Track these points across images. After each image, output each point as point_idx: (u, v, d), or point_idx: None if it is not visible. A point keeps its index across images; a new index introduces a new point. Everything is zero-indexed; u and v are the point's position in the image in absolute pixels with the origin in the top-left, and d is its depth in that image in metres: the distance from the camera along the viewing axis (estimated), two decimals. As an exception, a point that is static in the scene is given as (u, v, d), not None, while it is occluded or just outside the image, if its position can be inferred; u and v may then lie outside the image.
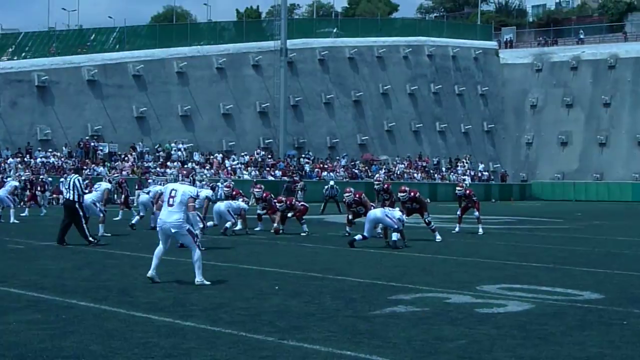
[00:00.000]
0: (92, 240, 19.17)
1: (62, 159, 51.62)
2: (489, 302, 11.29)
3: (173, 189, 13.02)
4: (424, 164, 72.57)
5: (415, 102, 76.07)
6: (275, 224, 24.37)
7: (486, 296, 11.89)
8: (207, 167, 57.39)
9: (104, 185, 23.26)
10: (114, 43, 61.48)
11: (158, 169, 54.62)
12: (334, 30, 75.16)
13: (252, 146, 64.13)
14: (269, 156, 63.33)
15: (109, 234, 21.86)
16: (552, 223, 33.60)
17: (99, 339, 8.34)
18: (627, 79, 76.99)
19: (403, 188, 23.17)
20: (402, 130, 74.65)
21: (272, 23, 68.71)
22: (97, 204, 21.91)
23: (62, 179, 31.37)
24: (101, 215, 21.92)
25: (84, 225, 19.19)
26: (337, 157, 67.92)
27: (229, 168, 58.62)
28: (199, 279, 12.62)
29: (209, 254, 17.43)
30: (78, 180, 19.43)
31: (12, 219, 28.50)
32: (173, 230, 12.78)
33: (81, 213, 19.21)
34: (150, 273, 12.69)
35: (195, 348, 7.99)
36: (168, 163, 56.20)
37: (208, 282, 12.63)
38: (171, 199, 12.84)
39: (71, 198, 19.24)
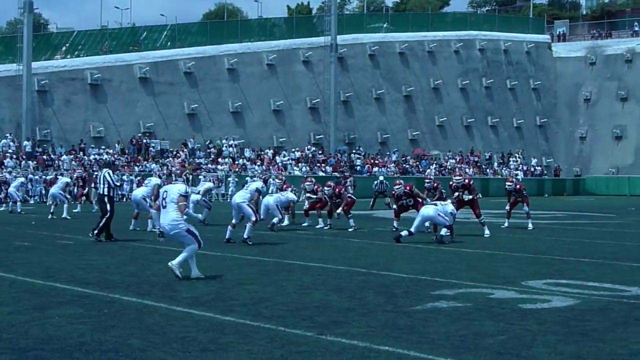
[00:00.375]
0: (99, 238, 19.09)
1: (115, 156, 52.16)
2: (533, 297, 11.15)
3: (165, 191, 12.90)
4: (476, 158, 72.08)
5: (466, 96, 75.58)
6: (320, 220, 24.54)
7: (531, 291, 11.74)
8: (258, 163, 57.60)
9: (154, 180, 23.42)
10: (166, 41, 62.01)
11: (209, 165, 54.94)
12: (385, 25, 74.96)
13: (302, 142, 64.23)
14: (320, 152, 63.37)
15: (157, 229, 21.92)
16: (605, 218, 33.17)
17: (138, 333, 8.39)
18: (683, 71, 75.74)
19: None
20: (454, 125, 74.23)
21: (322, 19, 68.68)
22: (147, 200, 22.03)
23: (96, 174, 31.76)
24: (151, 210, 22.06)
25: (107, 220, 19.09)
26: (388, 153, 67.73)
27: (280, 164, 58.76)
28: (194, 273, 12.61)
29: (254, 249, 17.51)
30: (108, 173, 19.56)
31: (64, 214, 28.92)
32: (170, 232, 12.60)
33: (109, 207, 19.14)
34: (171, 262, 12.57)
35: (233, 342, 8.00)
36: (219, 159, 56.52)
37: (202, 276, 12.58)
38: (163, 201, 12.71)
39: (102, 192, 19.44)
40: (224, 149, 58.39)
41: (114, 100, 55.88)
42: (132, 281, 12.35)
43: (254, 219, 18.61)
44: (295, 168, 59.02)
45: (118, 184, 21.32)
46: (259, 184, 20.05)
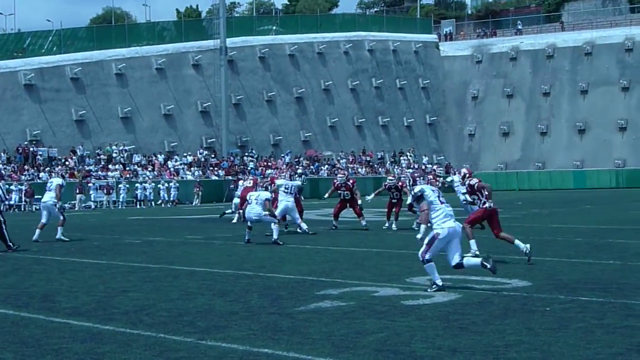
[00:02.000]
0: (12, 245, 18.77)
1: (1, 165, 50.83)
2: (416, 293, 11.28)
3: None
4: (368, 158, 72.74)
5: (357, 97, 76.23)
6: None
7: (414, 288, 11.89)
8: (149, 169, 56.92)
9: (56, 180, 22.45)
10: (52, 46, 60.71)
11: (100, 172, 54.04)
12: (274, 28, 75.03)
13: (194, 146, 63.77)
14: (212, 156, 63.02)
15: (67, 239, 21.45)
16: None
17: (12, 347, 8.15)
18: (566, 68, 78.00)
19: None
20: (345, 125, 74.77)
21: (211, 22, 68.39)
22: (57, 205, 21.48)
23: None
24: (61, 217, 21.50)
25: (4, 230, 18.73)
26: (281, 154, 67.79)
27: (172, 169, 58.21)
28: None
29: (140, 256, 17.27)
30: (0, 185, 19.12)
31: None
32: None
33: (1, 218, 18.76)
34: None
35: (110, 352, 7.84)
36: (109, 166, 55.65)
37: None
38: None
39: None
40: (114, 155, 57.49)
41: (-1, 108, 54.48)
42: (10, 293, 12.01)
43: (276, 220, 20.07)
44: (187, 172, 58.56)
45: (8, 196, 20.94)
46: (266, 194, 20.74)
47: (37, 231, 21.44)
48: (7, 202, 37.32)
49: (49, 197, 21.73)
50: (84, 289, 12.23)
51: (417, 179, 14.04)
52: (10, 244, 18.75)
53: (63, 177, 24.54)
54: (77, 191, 47.89)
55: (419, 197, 12.11)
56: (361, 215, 24.70)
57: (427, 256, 11.53)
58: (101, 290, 12.19)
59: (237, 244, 20.32)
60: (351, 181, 25.53)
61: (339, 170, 38.47)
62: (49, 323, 9.46)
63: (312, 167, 66.14)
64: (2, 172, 49.62)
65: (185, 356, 7.67)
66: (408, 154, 76.03)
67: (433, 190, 12.13)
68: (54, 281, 13.34)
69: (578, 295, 10.94)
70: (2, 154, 52.44)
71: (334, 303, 10.52)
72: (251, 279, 13.30)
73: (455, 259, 11.79)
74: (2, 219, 18.74)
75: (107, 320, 9.56)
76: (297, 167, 57.70)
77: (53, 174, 24.43)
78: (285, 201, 22.79)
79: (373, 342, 8.17)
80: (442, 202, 11.94)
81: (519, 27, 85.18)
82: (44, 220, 21.65)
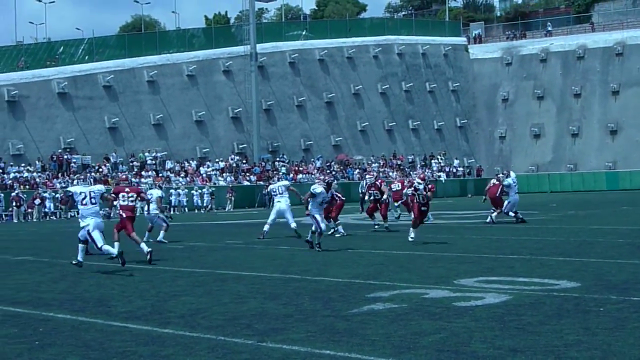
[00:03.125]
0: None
1: (36, 173, 51.32)
2: (467, 295, 11.32)
3: None
4: (399, 162, 72.72)
5: (387, 101, 76.28)
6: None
7: (464, 289, 11.92)
8: (182, 175, 57.24)
9: (156, 193, 23.27)
10: (83, 55, 61.26)
11: (133, 178, 54.35)
12: (303, 33, 75.26)
13: (226, 152, 64.04)
14: (244, 161, 63.26)
15: (166, 241, 22.89)
16: (528, 215, 33.70)
17: (77, 350, 8.30)
18: (597, 69, 77.62)
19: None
20: (376, 129, 74.82)
21: (241, 28, 68.67)
22: (159, 214, 22.81)
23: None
24: (164, 224, 22.85)
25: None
26: (312, 159, 67.92)
27: (204, 175, 58.50)
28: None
29: (185, 261, 17.43)
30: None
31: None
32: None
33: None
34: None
35: (174, 354, 7.96)
36: (142, 172, 56.01)
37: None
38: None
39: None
40: (147, 161, 57.88)
41: (33, 117, 54.99)
42: (64, 298, 12.18)
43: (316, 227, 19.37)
44: (219, 178, 58.83)
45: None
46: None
47: (147, 233, 22.84)
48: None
49: (151, 208, 22.87)
50: (136, 294, 12.38)
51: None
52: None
53: (161, 187, 24.74)
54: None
55: None
56: (386, 218, 25.59)
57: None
58: (153, 294, 12.33)
59: (279, 248, 20.43)
60: (379, 181, 26.70)
61: (369, 172, 40.10)
62: (108, 327, 9.60)
63: (344, 171, 66.21)
64: (37, 180, 50.09)
65: (249, 358, 7.77)
66: (439, 157, 75.95)
67: None
68: (104, 286, 13.49)
69: (630, 296, 10.93)
70: (37, 162, 52.94)
71: (387, 305, 10.59)
72: (299, 282, 13.39)
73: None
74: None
75: (165, 323, 9.69)
76: (328, 171, 57.84)
77: (153, 186, 24.79)
78: (278, 202, 23.55)
79: (432, 342, 8.24)
80: None
81: (549, 28, 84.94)
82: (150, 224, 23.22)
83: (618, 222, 27.15)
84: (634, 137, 74.50)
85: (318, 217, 18.99)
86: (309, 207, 19.27)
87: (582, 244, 19.10)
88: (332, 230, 24.06)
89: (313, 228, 19.14)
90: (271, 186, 25.52)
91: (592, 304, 10.37)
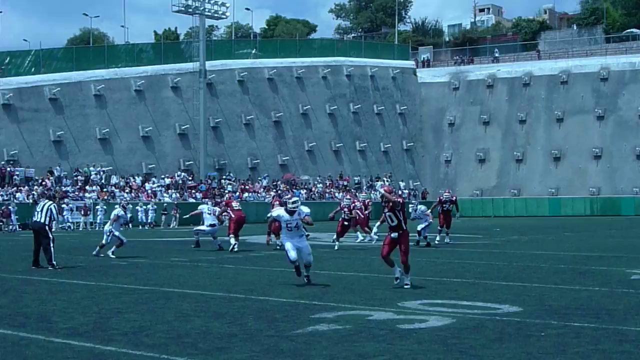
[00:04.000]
0: (55, 265, 19.39)
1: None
2: (411, 317, 11.38)
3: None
4: (345, 183, 72.94)
5: (335, 121, 76.55)
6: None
7: (408, 312, 11.99)
8: (127, 190, 56.77)
9: (115, 211, 24.16)
10: (30, 66, 60.61)
11: (77, 193, 53.83)
12: (253, 52, 75.29)
13: (172, 168, 63.71)
14: (190, 178, 62.97)
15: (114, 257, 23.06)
16: (472, 239, 34.02)
17: (17, 366, 8.19)
18: (542, 96, 78.75)
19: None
20: (323, 150, 75.02)
21: (190, 45, 68.56)
22: (111, 231, 23.51)
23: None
24: (118, 241, 23.51)
25: (52, 248, 19.64)
26: (259, 178, 67.84)
27: (149, 191, 58.10)
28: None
29: (129, 277, 17.28)
30: (54, 206, 20.22)
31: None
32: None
33: (50, 236, 19.74)
34: None
35: (116, 372, 7.90)
36: (87, 187, 55.45)
37: None
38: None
39: (41, 221, 19.88)
40: (91, 176, 57.32)
41: (-24, 128, 54.25)
42: (5, 313, 12.01)
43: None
44: (165, 195, 58.47)
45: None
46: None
47: (97, 248, 23.77)
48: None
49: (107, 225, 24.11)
50: (79, 310, 12.25)
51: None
52: (54, 262, 19.46)
53: (124, 208, 24.88)
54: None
55: None
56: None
57: None
58: (95, 311, 12.21)
59: (224, 266, 20.37)
60: (356, 202, 29.82)
61: (347, 193, 43.55)
62: (49, 343, 9.49)
63: (291, 191, 66.22)
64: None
65: (192, 377, 7.74)
66: (385, 179, 76.29)
67: None
68: (47, 302, 13.33)
69: (570, 321, 11.09)
70: (-21, 173, 52.17)
71: (331, 326, 10.61)
72: (244, 301, 13.36)
73: None
74: (52, 237, 19.75)
75: (108, 341, 9.60)
76: (281, 192, 57.79)
77: (117, 207, 25.10)
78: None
79: (376, 364, 8.28)
80: None
81: (496, 54, 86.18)
82: (103, 241, 23.75)
83: (560, 248, 27.49)
84: (576, 164, 75.65)
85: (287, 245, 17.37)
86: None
87: (525, 269, 19.31)
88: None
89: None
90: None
91: (534, 328, 10.50)
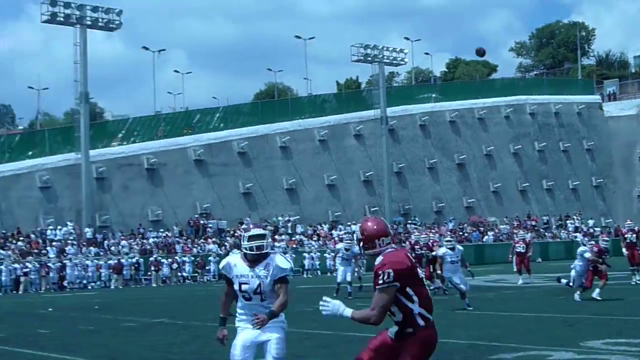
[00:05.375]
0: None
1: (174, 238, 52.87)
2: (592, 357, 11.19)
3: None
4: (533, 222, 71.58)
5: (520, 161, 75.44)
6: None
7: (590, 352, 11.76)
8: (315, 239, 57.90)
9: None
10: (218, 122, 63.02)
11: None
12: (433, 95, 75.50)
13: (358, 215, 64.27)
14: (376, 224, 63.27)
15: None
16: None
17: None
18: None
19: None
20: (509, 190, 73.97)
21: (371, 92, 69.42)
22: None
23: None
24: None
25: None
26: (444, 221, 67.60)
27: (337, 238, 58.95)
28: None
29: (313, 322, 17.67)
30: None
31: None
32: None
33: None
34: None
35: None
36: (276, 236, 56.90)
37: None
38: None
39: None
40: (280, 225, 58.83)
41: (171, 183, 56.76)
42: (193, 358, 12.60)
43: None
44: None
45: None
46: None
47: None
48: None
49: None
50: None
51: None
52: None
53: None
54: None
55: None
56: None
57: None
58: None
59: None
60: (431, 241, 28.49)
61: (418, 230, 40.64)
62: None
63: (475, 233, 65.64)
64: (175, 244, 51.60)
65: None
66: (574, 217, 74.39)
67: None
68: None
69: None
70: (175, 227, 54.50)
71: (509, 367, 10.58)
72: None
73: None
74: None
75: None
76: (460, 233, 57.44)
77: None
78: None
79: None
80: None
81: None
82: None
83: None
84: None
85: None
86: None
87: None
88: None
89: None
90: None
91: None
